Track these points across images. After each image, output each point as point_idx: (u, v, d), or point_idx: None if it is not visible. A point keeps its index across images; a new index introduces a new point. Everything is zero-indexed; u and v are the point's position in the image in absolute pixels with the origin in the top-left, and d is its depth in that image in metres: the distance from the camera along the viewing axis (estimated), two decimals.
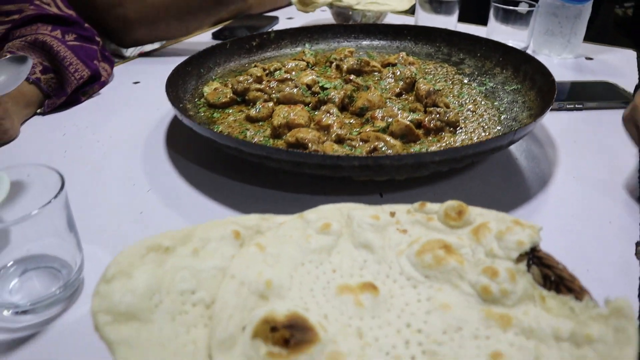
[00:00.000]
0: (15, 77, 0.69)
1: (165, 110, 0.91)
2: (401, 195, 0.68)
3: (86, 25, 1.01)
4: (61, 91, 0.89)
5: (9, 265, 0.53)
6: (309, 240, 0.46)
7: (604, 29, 1.38)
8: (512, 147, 0.79)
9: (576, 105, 0.92)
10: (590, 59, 1.18)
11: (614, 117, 0.91)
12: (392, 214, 0.51)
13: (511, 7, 1.13)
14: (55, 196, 0.48)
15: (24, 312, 0.51)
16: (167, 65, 1.08)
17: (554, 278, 0.42)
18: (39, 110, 0.89)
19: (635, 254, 0.60)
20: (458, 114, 0.74)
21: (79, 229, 0.55)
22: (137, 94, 0.99)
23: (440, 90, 0.80)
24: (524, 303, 0.41)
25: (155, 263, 0.39)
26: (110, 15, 1.06)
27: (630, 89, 0.98)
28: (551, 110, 0.91)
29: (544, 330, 0.38)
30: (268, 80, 0.86)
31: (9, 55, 0.73)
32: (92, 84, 0.96)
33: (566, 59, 1.17)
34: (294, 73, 0.91)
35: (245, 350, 0.36)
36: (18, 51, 0.85)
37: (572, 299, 0.39)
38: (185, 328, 0.37)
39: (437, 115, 0.72)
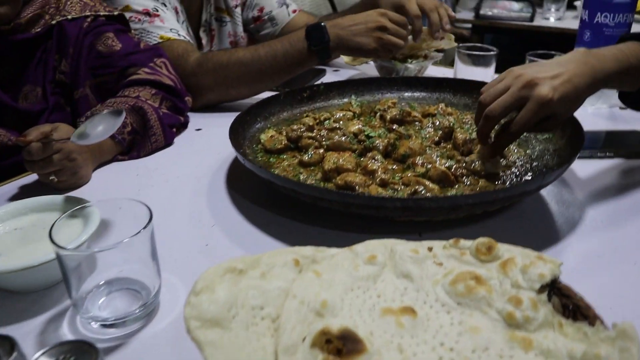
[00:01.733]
0: (110, 128, 0.81)
1: (226, 155, 1.01)
2: (438, 235, 0.74)
3: (187, 98, 1.16)
4: (134, 153, 1.02)
5: (100, 284, 0.62)
6: (358, 269, 0.54)
7: None
8: (544, 192, 0.85)
9: (607, 154, 0.98)
10: (624, 108, 1.23)
11: None
12: (430, 249, 0.58)
13: (545, 61, 1.20)
14: (144, 227, 0.58)
15: (110, 326, 0.60)
16: (225, 116, 1.19)
17: (571, 307, 0.48)
18: None
19: None
20: (483, 164, 0.81)
21: None
22: (200, 140, 1.11)
23: (475, 139, 0.87)
24: (544, 328, 0.47)
25: (232, 282, 0.48)
26: (185, 83, 1.18)
27: None
28: (583, 158, 0.97)
29: (560, 351, 0.44)
30: (319, 129, 0.95)
31: (107, 111, 0.85)
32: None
33: (600, 109, 1.23)
34: (341, 122, 1.01)
35: (305, 356, 0.43)
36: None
37: (586, 325, 0.45)
38: (256, 336, 0.45)
39: (464, 164, 0.80)
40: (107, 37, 1.10)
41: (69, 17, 1.07)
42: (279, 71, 1.20)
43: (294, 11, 1.61)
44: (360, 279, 0.53)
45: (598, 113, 1.21)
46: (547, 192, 0.86)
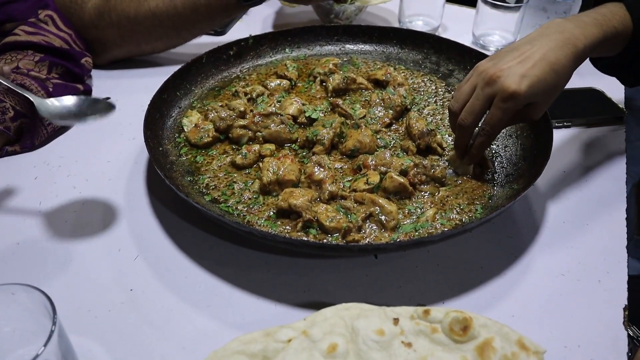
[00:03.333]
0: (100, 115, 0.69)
1: (142, 140, 0.85)
2: (396, 255, 0.67)
3: (85, 59, 0.95)
4: (28, 142, 0.83)
5: None
6: None
7: None
8: None
9: (565, 124, 0.91)
10: None
11: (603, 136, 0.90)
12: (396, 321, 0.51)
13: (499, 2, 1.08)
14: (47, 342, 0.45)
15: None
16: (137, 75, 1.01)
17: None
18: None
19: (623, 322, 0.61)
20: (445, 168, 0.72)
21: (68, 314, 0.56)
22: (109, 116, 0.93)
23: (433, 130, 0.77)
24: None
25: None
26: (84, 36, 0.97)
27: (617, 90, 0.97)
28: None
29: None
30: (252, 112, 0.81)
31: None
32: None
33: None
34: (276, 96, 0.87)
35: None
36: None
37: None
38: None
39: (423, 169, 0.71)
40: None
41: None
42: (200, 23, 1.00)
43: None
44: None
45: None
46: None
